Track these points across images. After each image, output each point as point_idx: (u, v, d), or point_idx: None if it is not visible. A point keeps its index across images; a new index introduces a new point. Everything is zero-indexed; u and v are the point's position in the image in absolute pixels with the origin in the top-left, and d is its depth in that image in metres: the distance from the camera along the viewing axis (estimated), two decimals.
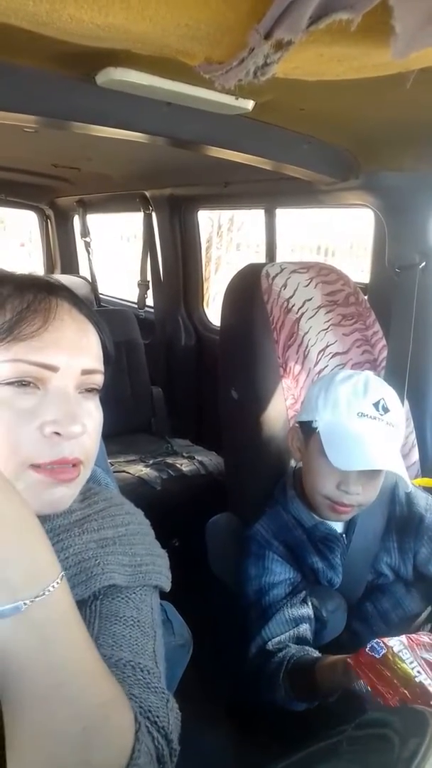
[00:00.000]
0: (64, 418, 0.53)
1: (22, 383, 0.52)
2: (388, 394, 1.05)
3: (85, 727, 0.41)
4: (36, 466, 0.52)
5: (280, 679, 0.97)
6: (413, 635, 0.83)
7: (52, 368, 0.53)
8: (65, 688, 0.41)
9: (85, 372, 0.56)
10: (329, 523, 1.12)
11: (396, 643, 0.79)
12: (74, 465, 0.55)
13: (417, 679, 0.75)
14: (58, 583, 0.42)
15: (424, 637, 0.83)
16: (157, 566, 0.66)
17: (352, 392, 1.03)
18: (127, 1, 0.39)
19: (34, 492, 0.53)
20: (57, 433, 0.52)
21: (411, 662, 0.76)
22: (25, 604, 0.39)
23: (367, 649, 0.79)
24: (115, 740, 0.44)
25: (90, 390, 0.58)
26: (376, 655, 0.78)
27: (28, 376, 0.52)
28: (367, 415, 1.01)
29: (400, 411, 1.06)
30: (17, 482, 0.52)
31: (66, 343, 0.55)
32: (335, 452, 0.99)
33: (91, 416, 0.57)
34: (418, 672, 0.75)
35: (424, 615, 1.18)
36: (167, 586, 0.68)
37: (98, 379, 0.58)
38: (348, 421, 1.01)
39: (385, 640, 0.79)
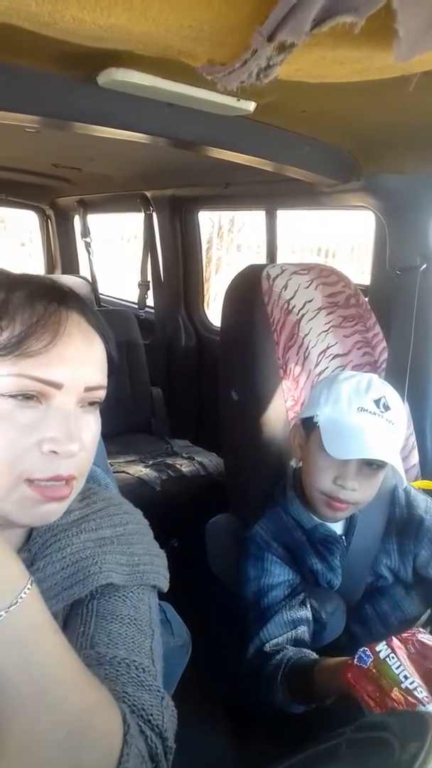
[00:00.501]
0: (63, 437, 0.53)
1: (25, 396, 0.52)
2: (390, 393, 1.06)
3: (69, 732, 0.42)
4: (30, 481, 0.52)
5: (278, 682, 0.97)
6: (405, 633, 0.83)
7: (56, 386, 0.53)
8: (47, 694, 0.42)
9: (88, 389, 0.56)
10: (329, 524, 1.12)
11: (383, 648, 0.78)
12: (67, 482, 0.55)
13: (403, 685, 0.74)
14: (29, 588, 0.42)
15: (418, 634, 0.83)
16: (155, 566, 0.66)
17: (354, 389, 1.04)
18: (129, 2, 0.39)
19: (24, 506, 0.53)
20: (54, 452, 0.52)
21: (398, 667, 0.76)
22: (0, 615, 0.40)
23: (354, 660, 0.79)
24: (101, 743, 0.44)
25: (92, 404, 0.57)
26: (363, 665, 0.78)
27: (31, 390, 0.52)
28: (367, 410, 1.02)
29: (401, 411, 1.06)
30: (11, 495, 0.52)
31: (72, 358, 0.54)
32: (332, 442, 1.00)
33: (90, 430, 0.57)
34: (404, 677, 0.75)
35: (423, 618, 1.18)
36: (165, 586, 0.68)
37: (101, 395, 0.58)
38: (348, 414, 1.02)
39: (373, 646, 0.79)
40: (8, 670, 0.40)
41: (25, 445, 0.52)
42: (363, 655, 0.79)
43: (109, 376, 0.59)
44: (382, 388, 1.06)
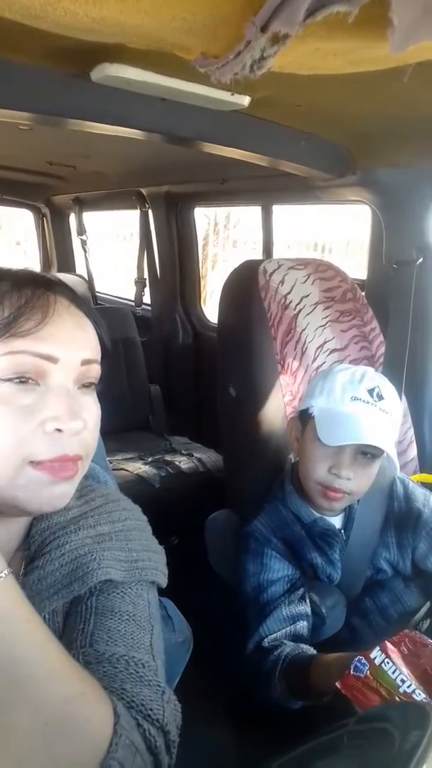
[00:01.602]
0: (65, 414, 0.52)
1: (21, 380, 0.52)
2: (384, 384, 1.06)
3: (47, 723, 0.42)
4: (36, 463, 0.52)
5: (276, 678, 0.97)
6: (396, 636, 0.83)
7: (52, 359, 0.53)
8: (19, 685, 0.42)
9: (85, 362, 0.56)
10: (328, 518, 1.13)
11: (377, 654, 0.78)
12: (74, 461, 0.54)
13: (401, 689, 0.74)
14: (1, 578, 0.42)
15: (409, 635, 0.83)
16: (153, 562, 0.66)
17: (348, 379, 1.05)
18: None
19: (34, 489, 0.53)
20: (58, 430, 0.52)
21: (394, 671, 0.76)
22: None
23: (351, 671, 0.79)
24: (85, 734, 0.44)
25: (88, 385, 0.58)
26: (360, 675, 0.78)
27: (27, 370, 0.52)
28: (360, 399, 1.02)
29: (395, 401, 1.06)
30: (17, 479, 0.52)
31: (64, 336, 0.54)
32: (326, 431, 1.01)
33: (90, 411, 0.57)
34: (402, 681, 0.75)
35: (423, 610, 1.18)
36: (163, 582, 0.68)
37: (96, 371, 0.58)
38: (341, 404, 1.03)
39: (367, 654, 0.79)
40: None
41: (28, 428, 0.51)
42: (359, 664, 0.78)
43: (102, 362, 0.59)
44: (376, 378, 1.06)
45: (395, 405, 1.06)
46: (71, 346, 0.55)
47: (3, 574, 0.43)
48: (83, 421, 0.54)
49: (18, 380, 0.52)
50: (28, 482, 0.52)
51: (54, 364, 0.53)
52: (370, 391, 1.03)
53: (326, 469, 1.03)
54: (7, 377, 0.51)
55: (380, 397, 1.03)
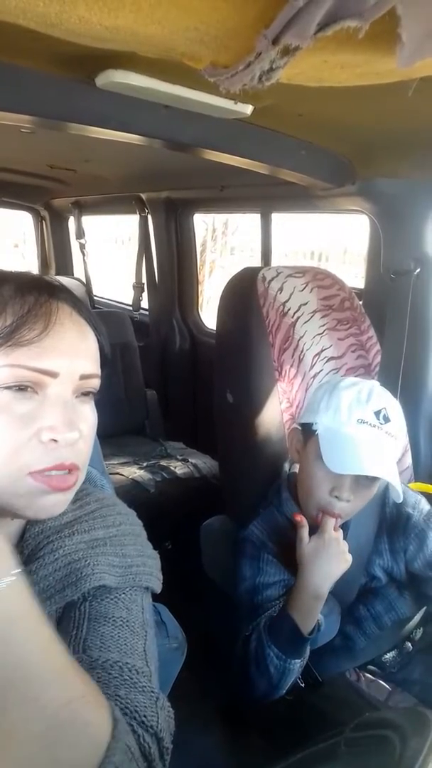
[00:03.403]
0: (62, 425, 0.52)
1: (20, 388, 0.52)
2: (390, 404, 1.05)
3: (48, 727, 0.41)
4: (33, 473, 0.52)
5: (266, 645, 0.98)
6: None
7: (52, 374, 0.53)
8: (23, 687, 0.41)
9: (84, 377, 0.56)
10: None
11: None
12: (70, 472, 0.54)
13: None
14: (10, 579, 0.42)
15: None
16: (147, 567, 0.66)
17: (354, 399, 1.03)
18: (137, 4, 0.39)
19: (30, 499, 0.53)
20: (54, 440, 0.52)
21: None
22: None
23: None
24: (85, 738, 0.44)
25: (86, 394, 0.57)
26: None
27: (26, 381, 0.52)
28: (366, 422, 1.01)
29: (401, 423, 1.06)
30: (17, 488, 0.52)
31: (66, 347, 0.54)
32: (330, 455, 1.00)
33: (87, 420, 0.57)
34: None
35: (416, 618, 1.18)
36: (158, 587, 0.68)
37: (95, 384, 0.58)
38: (347, 426, 1.01)
39: None
40: None
41: (24, 436, 0.51)
42: None
43: (102, 369, 0.59)
44: (383, 398, 1.05)
45: (401, 426, 1.05)
46: (71, 358, 0.55)
47: (14, 574, 0.43)
48: (79, 431, 0.54)
49: (16, 388, 0.52)
50: (27, 492, 0.52)
51: (53, 379, 0.53)
52: (377, 414, 1.01)
53: (327, 490, 1.02)
54: (6, 385, 0.51)
55: (387, 420, 1.02)
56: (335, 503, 1.02)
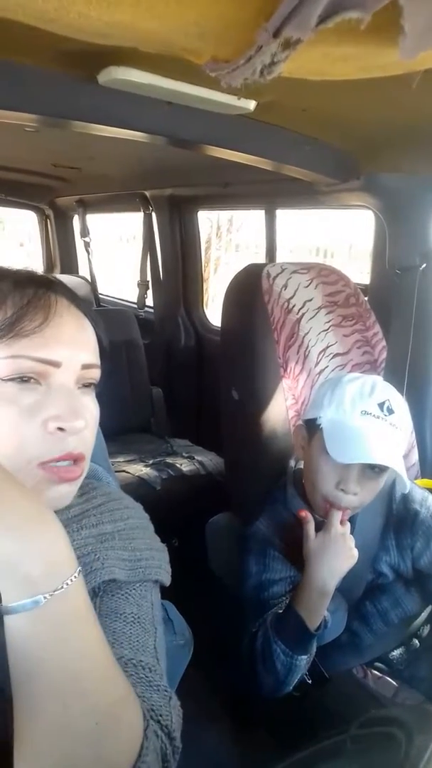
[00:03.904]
0: (67, 413, 0.53)
1: (23, 379, 0.52)
2: (394, 397, 1.05)
3: (98, 723, 0.42)
4: (43, 464, 0.52)
5: (272, 641, 0.98)
6: None
7: (55, 363, 0.54)
8: (80, 683, 0.42)
9: (85, 366, 0.56)
10: None
11: None
12: (77, 462, 0.55)
13: None
14: (75, 577, 0.43)
15: None
16: (156, 560, 0.66)
17: (358, 392, 1.03)
18: None
19: (39, 490, 0.53)
20: (60, 429, 0.53)
21: None
22: (44, 597, 0.40)
23: None
24: (126, 737, 0.44)
25: (88, 385, 0.58)
26: None
27: (30, 372, 0.53)
28: (370, 414, 1.01)
29: (405, 414, 1.05)
30: (26, 480, 0.52)
31: (66, 338, 0.55)
32: (335, 446, 1.00)
33: (90, 410, 0.57)
34: None
35: (423, 615, 1.18)
36: (167, 580, 0.68)
37: (96, 374, 0.59)
38: (351, 418, 1.01)
39: None
40: (46, 655, 0.40)
41: (31, 427, 0.52)
42: None
43: (101, 363, 0.60)
44: (386, 390, 1.05)
45: (405, 418, 1.05)
46: (73, 348, 0.55)
47: (77, 573, 0.43)
48: (84, 419, 0.54)
49: (20, 379, 0.52)
50: (36, 483, 0.53)
51: (56, 368, 0.54)
52: (381, 405, 1.01)
53: (334, 484, 1.02)
54: (9, 377, 0.52)
55: (390, 411, 1.01)
56: (342, 497, 1.02)
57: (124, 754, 0.44)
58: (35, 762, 0.41)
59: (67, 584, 0.41)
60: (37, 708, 0.41)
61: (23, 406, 0.52)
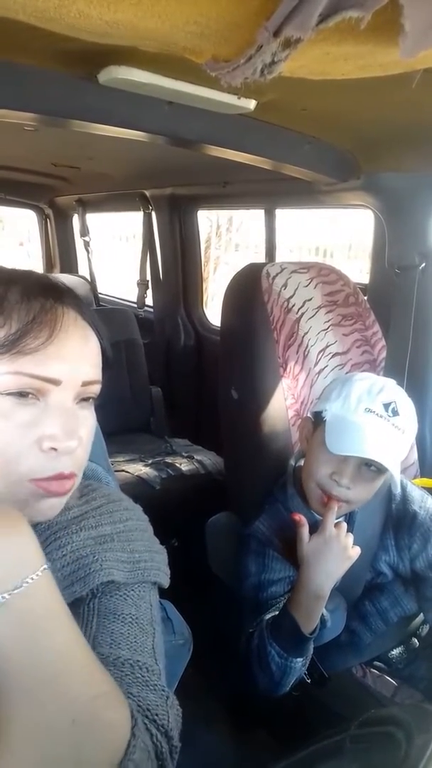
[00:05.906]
0: (62, 434, 0.53)
1: (21, 394, 0.52)
2: (402, 400, 1.04)
3: (75, 721, 0.42)
4: (34, 480, 0.53)
5: (267, 643, 0.98)
6: None
7: (55, 382, 0.53)
8: (53, 681, 0.42)
9: (86, 383, 0.56)
10: None
11: None
12: (69, 478, 0.55)
13: None
14: (38, 574, 0.42)
15: None
16: (155, 562, 0.66)
17: (366, 390, 1.03)
18: None
19: (27, 502, 0.53)
20: (53, 448, 0.53)
21: None
22: (3, 597, 0.40)
23: None
24: (108, 735, 0.44)
25: (87, 399, 0.58)
26: None
27: (29, 388, 0.52)
28: (374, 412, 1.01)
29: (411, 419, 1.04)
30: (16, 494, 0.52)
31: (69, 355, 0.54)
32: (333, 438, 1.00)
33: (86, 426, 0.57)
34: None
35: (422, 614, 1.18)
36: (166, 582, 0.68)
37: (96, 389, 0.58)
38: (354, 413, 1.01)
39: None
40: (14, 654, 0.40)
41: (25, 444, 0.52)
42: None
43: (104, 372, 0.60)
44: (395, 393, 1.04)
45: (410, 423, 1.04)
46: (74, 365, 0.55)
47: (40, 571, 0.43)
48: (79, 438, 0.54)
49: (18, 395, 0.52)
50: (25, 496, 0.53)
51: (56, 386, 0.54)
52: (386, 405, 1.01)
53: (328, 473, 1.02)
54: (8, 391, 0.52)
55: (395, 413, 1.01)
56: (334, 486, 1.02)
57: (107, 752, 0.43)
58: (16, 764, 0.41)
59: (28, 582, 0.41)
60: (11, 708, 0.41)
61: (19, 421, 0.52)
